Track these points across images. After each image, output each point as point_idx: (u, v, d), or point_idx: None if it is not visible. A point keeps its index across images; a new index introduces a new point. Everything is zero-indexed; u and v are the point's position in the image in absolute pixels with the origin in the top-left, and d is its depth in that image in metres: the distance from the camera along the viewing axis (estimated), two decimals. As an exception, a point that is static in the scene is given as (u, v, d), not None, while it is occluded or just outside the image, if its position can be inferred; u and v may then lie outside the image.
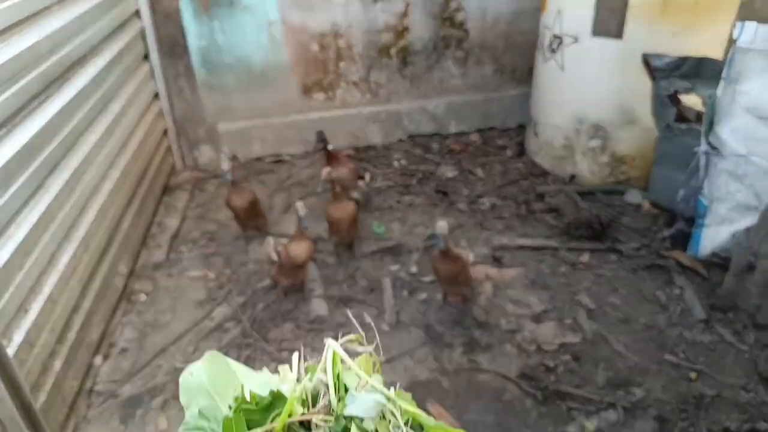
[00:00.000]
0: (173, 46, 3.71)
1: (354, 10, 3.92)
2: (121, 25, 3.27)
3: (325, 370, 0.45)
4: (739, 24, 2.51)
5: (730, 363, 2.35)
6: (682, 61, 2.95)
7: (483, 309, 2.65)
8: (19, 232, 1.99)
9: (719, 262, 2.84)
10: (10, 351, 1.79)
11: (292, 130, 4.18)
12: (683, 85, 2.95)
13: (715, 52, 3.11)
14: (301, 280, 2.72)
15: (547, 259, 2.99)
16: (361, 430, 0.41)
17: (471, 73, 4.33)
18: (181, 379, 0.47)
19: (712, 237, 2.83)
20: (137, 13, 3.51)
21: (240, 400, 0.46)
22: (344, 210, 2.85)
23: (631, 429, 2.09)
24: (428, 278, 2.85)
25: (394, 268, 2.97)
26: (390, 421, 0.42)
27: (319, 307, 2.68)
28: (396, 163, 4.07)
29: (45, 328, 2.05)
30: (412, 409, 0.44)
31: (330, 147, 3.28)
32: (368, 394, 0.43)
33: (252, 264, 3.04)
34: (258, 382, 0.49)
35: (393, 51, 4.13)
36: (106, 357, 2.47)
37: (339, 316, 2.62)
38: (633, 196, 3.41)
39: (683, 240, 2.99)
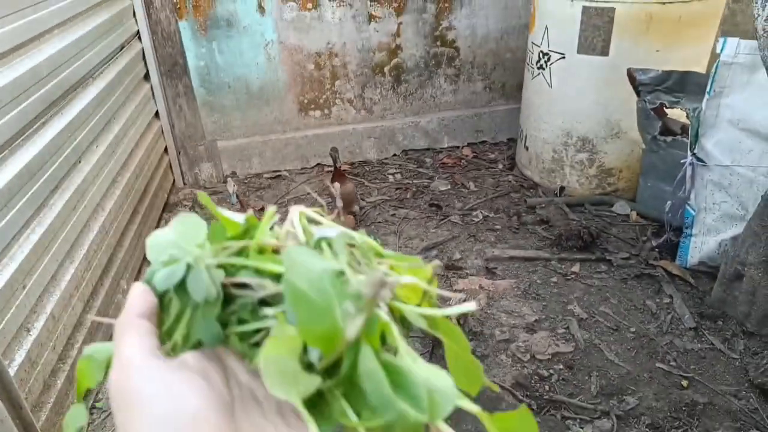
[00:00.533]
0: (173, 66, 3.79)
1: (348, 30, 4.02)
2: (122, 47, 3.34)
3: (292, 222, 0.46)
4: (722, 39, 2.60)
5: (721, 370, 2.40)
6: (667, 75, 3.04)
7: (478, 319, 2.69)
8: (21, 251, 2.02)
9: (707, 271, 2.90)
10: (12, 371, 1.81)
11: (289, 147, 4.26)
12: (668, 99, 3.03)
13: (699, 67, 3.21)
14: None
15: (539, 269, 3.04)
16: (333, 251, 0.41)
17: (462, 89, 4.43)
18: (147, 240, 0.46)
19: (700, 246, 2.90)
20: (137, 35, 3.59)
21: (215, 226, 0.46)
22: (345, 224, 2.91)
23: (624, 436, 2.14)
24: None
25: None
26: (355, 251, 0.43)
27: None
28: (390, 178, 4.14)
29: (47, 346, 2.08)
30: (375, 244, 0.45)
31: (339, 164, 3.35)
32: (335, 229, 0.44)
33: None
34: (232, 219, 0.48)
35: (386, 69, 4.22)
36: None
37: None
38: (621, 207, 3.48)
39: (671, 250, 3.05)
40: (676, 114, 3.16)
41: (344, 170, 3.37)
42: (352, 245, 0.45)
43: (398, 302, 0.43)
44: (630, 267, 3.00)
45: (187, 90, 3.90)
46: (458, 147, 4.52)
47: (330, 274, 0.38)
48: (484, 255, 3.17)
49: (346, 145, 4.33)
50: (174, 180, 4.07)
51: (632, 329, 2.61)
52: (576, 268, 3.03)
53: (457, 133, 4.50)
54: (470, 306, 0.42)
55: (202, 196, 0.53)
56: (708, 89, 2.68)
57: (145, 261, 3.20)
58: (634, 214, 3.41)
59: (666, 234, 3.10)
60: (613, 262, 3.03)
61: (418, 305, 0.45)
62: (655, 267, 2.98)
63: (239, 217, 0.48)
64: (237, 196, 2.91)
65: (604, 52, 3.22)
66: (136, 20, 3.55)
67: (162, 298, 0.44)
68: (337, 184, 2.98)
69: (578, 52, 3.31)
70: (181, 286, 0.43)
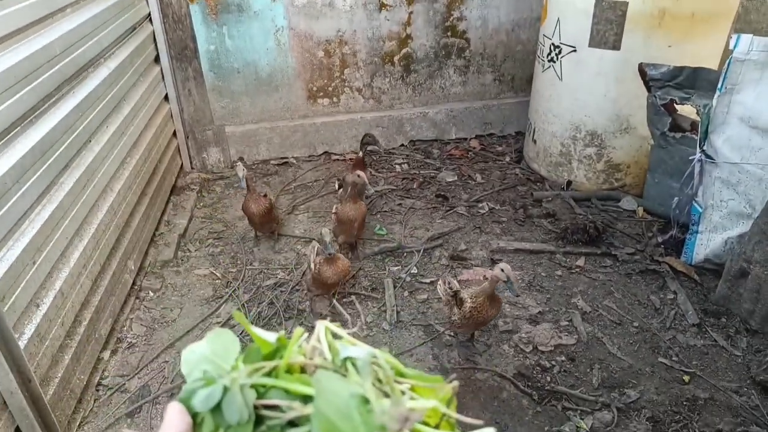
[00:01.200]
0: (183, 50, 3.79)
1: (359, 18, 4.00)
2: (133, 29, 3.35)
3: (318, 340, 0.48)
4: (735, 35, 2.58)
5: (723, 367, 2.40)
6: (679, 70, 3.01)
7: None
8: (32, 228, 2.04)
9: (712, 268, 2.90)
10: (22, 344, 1.84)
11: (297, 134, 4.26)
12: (679, 95, 3.01)
13: (711, 63, 3.18)
14: (332, 294, 2.78)
15: (544, 262, 3.05)
16: (357, 370, 0.44)
17: (471, 81, 4.42)
18: (183, 353, 0.48)
19: (706, 243, 2.89)
20: (148, 17, 3.59)
21: (249, 348, 0.48)
22: (358, 210, 2.92)
23: (625, 429, 2.14)
24: (428, 279, 2.92)
25: (395, 268, 3.03)
26: (379, 369, 0.46)
27: (322, 305, 2.75)
28: (398, 168, 4.14)
29: (56, 322, 2.10)
30: (396, 362, 0.47)
31: (369, 149, 3.36)
32: (358, 347, 0.47)
33: (258, 263, 3.11)
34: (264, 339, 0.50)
35: (396, 58, 4.21)
36: (114, 352, 2.53)
37: (343, 315, 2.67)
38: (628, 203, 3.48)
39: (677, 246, 3.05)
40: (687, 110, 3.15)
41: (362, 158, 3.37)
42: (375, 363, 0.47)
43: (420, 426, 0.45)
44: (635, 262, 3.01)
45: (196, 74, 3.90)
46: (466, 139, 4.51)
47: (356, 402, 0.41)
48: (489, 246, 3.18)
49: (354, 134, 4.33)
50: (182, 164, 4.08)
51: (635, 324, 2.62)
52: (581, 261, 3.03)
53: (465, 125, 4.49)
54: (489, 431, 0.44)
55: (238, 316, 0.55)
56: (719, 86, 2.66)
57: (152, 244, 3.23)
58: (640, 210, 3.41)
59: (672, 230, 3.09)
60: (618, 257, 3.04)
61: (437, 427, 0.47)
62: (660, 263, 2.98)
63: (271, 337, 0.50)
64: (246, 180, 2.92)
65: (616, 46, 3.21)
66: (147, 2, 3.55)
67: (195, 416, 0.46)
68: (359, 171, 2.95)
69: (590, 45, 3.29)
70: (216, 408, 0.45)
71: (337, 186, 3.44)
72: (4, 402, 1.77)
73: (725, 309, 2.67)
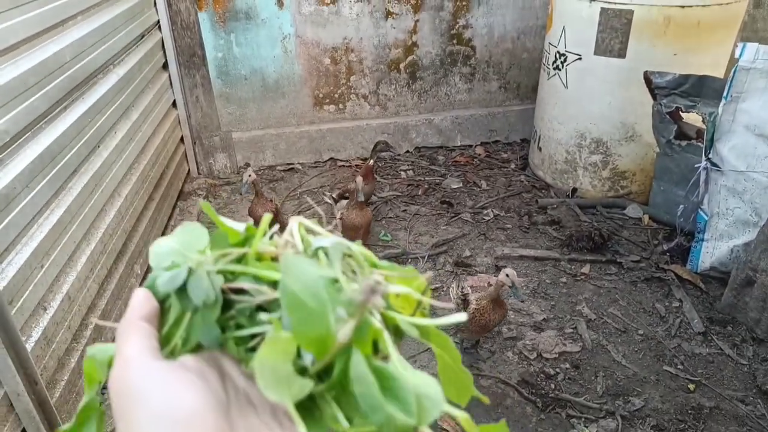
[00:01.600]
0: (191, 57, 3.84)
1: (365, 26, 4.04)
2: (142, 36, 3.39)
3: (291, 232, 0.47)
4: (740, 44, 2.59)
5: (728, 375, 2.39)
6: (684, 79, 3.02)
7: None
8: (40, 232, 2.06)
9: (718, 276, 2.89)
10: (29, 346, 1.86)
11: (303, 140, 4.29)
12: (684, 103, 3.02)
13: (717, 71, 3.19)
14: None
15: (549, 269, 3.05)
16: (329, 259, 0.42)
17: (477, 88, 4.43)
18: (151, 247, 0.46)
19: (711, 252, 2.88)
20: (157, 25, 3.64)
21: (216, 234, 0.47)
22: (364, 216, 2.94)
23: (629, 437, 2.14)
24: (432, 286, 2.92)
25: (400, 275, 3.04)
26: (351, 261, 0.44)
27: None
28: (403, 174, 4.15)
29: (62, 325, 2.12)
30: (371, 255, 0.46)
31: (397, 152, 3.38)
32: (332, 239, 0.45)
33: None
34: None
35: (402, 66, 4.24)
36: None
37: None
38: (633, 211, 3.47)
39: (682, 254, 3.04)
40: (692, 118, 3.15)
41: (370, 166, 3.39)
42: (348, 255, 0.46)
43: (392, 312, 0.44)
44: (640, 270, 3.00)
45: (204, 81, 3.94)
46: (471, 146, 4.52)
47: (325, 281, 0.39)
48: (493, 253, 3.18)
49: (359, 141, 4.35)
50: (189, 169, 4.11)
51: (640, 331, 2.61)
52: (586, 269, 3.03)
53: (470, 132, 4.51)
54: (461, 317, 0.43)
55: (205, 206, 0.54)
56: (725, 94, 2.67)
57: (158, 248, 3.24)
58: (646, 218, 3.40)
59: (677, 238, 3.09)
60: (623, 265, 3.03)
61: (412, 315, 0.46)
62: (666, 271, 2.97)
63: (240, 226, 0.49)
64: (254, 185, 2.95)
65: (621, 54, 3.22)
66: (156, 10, 3.60)
67: (163, 303, 0.46)
68: (360, 178, 2.97)
69: (595, 53, 3.30)
70: (182, 291, 0.44)
71: (335, 196, 3.45)
72: (11, 404, 1.79)
73: (731, 317, 2.65)
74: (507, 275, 2.16)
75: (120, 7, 3.06)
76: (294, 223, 0.48)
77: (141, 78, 3.26)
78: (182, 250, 0.47)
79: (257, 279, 0.44)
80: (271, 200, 3.11)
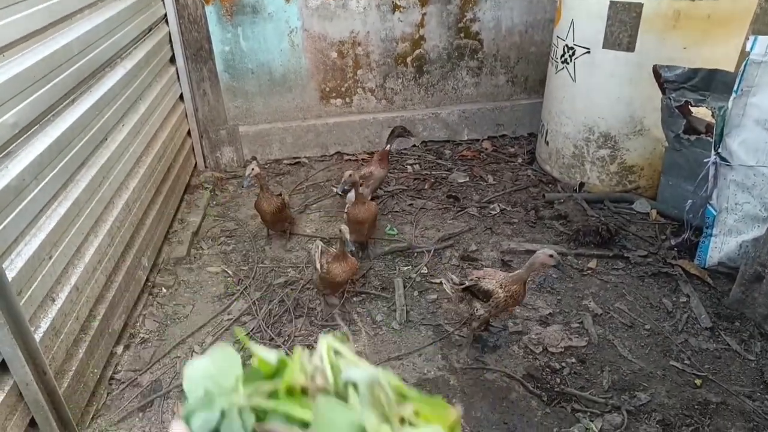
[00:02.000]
0: (198, 50, 3.84)
1: (372, 19, 4.02)
2: (149, 29, 3.40)
3: (320, 358, 0.49)
4: (752, 37, 2.55)
5: (735, 371, 2.37)
6: (694, 72, 2.99)
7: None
8: (48, 223, 2.08)
9: (726, 271, 2.87)
10: (37, 337, 1.88)
11: (309, 134, 4.29)
12: (694, 97, 2.99)
13: (727, 65, 3.15)
14: (341, 291, 2.79)
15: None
16: (357, 393, 0.45)
17: (484, 82, 4.41)
18: (185, 369, 0.49)
19: (720, 247, 2.86)
20: (165, 18, 3.64)
21: (251, 369, 0.49)
22: (369, 210, 2.93)
23: (634, 432, 2.13)
24: (438, 279, 2.92)
25: (405, 268, 3.04)
26: (381, 392, 0.46)
27: (332, 304, 2.76)
28: (409, 168, 4.15)
29: (70, 316, 2.14)
30: (400, 383, 0.47)
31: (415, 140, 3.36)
32: (360, 368, 0.47)
33: (269, 261, 3.14)
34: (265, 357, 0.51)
35: (409, 60, 4.22)
36: (127, 347, 2.56)
37: (352, 314, 2.69)
38: (641, 205, 3.45)
39: (690, 249, 3.02)
40: (701, 112, 3.12)
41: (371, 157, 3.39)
42: (376, 387, 0.47)
43: None
44: (648, 265, 2.98)
45: (211, 74, 3.94)
46: (478, 140, 4.51)
47: (354, 429, 0.42)
48: (500, 247, 3.17)
49: (366, 135, 4.35)
50: (196, 162, 4.13)
51: (647, 326, 2.60)
52: (593, 263, 3.01)
53: (477, 126, 4.49)
54: None
55: (239, 333, 0.58)
56: (735, 88, 2.64)
57: (165, 241, 3.27)
58: (654, 213, 3.38)
59: (686, 233, 3.06)
60: (630, 260, 3.01)
61: None
62: (673, 266, 2.95)
63: (272, 357, 0.51)
64: (258, 179, 2.95)
65: (630, 47, 3.19)
66: (163, 3, 3.60)
67: None
68: (350, 172, 2.96)
69: (604, 47, 3.27)
70: (215, 430, 0.46)
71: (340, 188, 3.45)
72: (20, 394, 1.81)
73: (739, 313, 2.63)
74: (551, 255, 2.23)
75: (127, 0, 3.07)
76: (323, 346, 0.50)
77: (148, 71, 3.27)
78: (216, 377, 0.49)
79: (288, 418, 0.46)
80: (280, 194, 3.12)
